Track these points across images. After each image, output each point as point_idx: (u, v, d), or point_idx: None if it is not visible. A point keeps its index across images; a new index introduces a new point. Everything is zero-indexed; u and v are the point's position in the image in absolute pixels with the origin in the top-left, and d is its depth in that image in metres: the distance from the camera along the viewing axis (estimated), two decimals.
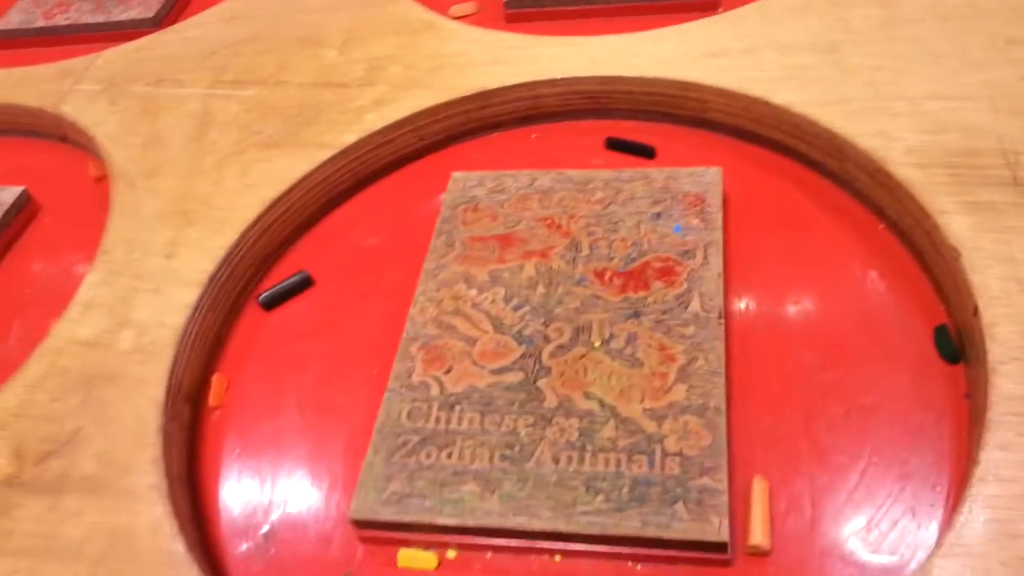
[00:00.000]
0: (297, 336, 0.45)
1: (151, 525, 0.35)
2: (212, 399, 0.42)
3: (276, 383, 0.43)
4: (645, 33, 0.53)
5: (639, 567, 0.33)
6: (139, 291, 0.44)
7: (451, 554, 0.35)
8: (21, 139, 0.62)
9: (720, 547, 0.32)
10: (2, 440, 0.39)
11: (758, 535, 0.33)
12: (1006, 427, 0.32)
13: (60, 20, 0.70)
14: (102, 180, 0.57)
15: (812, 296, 0.41)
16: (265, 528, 0.37)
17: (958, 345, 0.37)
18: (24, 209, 0.54)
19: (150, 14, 0.68)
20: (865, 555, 0.32)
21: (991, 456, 0.31)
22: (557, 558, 0.34)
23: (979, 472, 0.31)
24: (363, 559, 0.35)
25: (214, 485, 0.39)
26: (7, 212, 0.53)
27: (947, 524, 0.32)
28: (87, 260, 0.50)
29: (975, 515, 0.30)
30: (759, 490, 0.34)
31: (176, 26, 0.64)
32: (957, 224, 0.38)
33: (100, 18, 0.69)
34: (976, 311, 0.35)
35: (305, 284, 0.47)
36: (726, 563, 0.33)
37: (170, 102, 0.57)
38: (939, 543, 0.30)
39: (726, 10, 0.58)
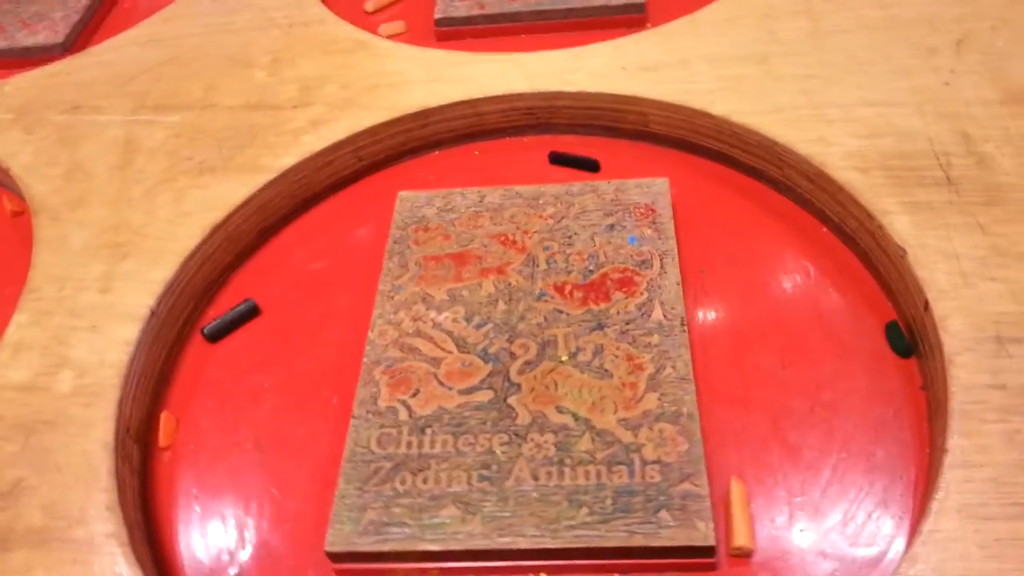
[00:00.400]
0: (247, 368, 0.43)
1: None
2: (162, 439, 0.40)
3: (229, 418, 0.41)
4: (580, 48, 0.54)
5: None
6: (74, 329, 0.42)
7: None
8: None
9: (707, 551, 0.32)
10: None
11: (742, 536, 0.33)
12: (968, 415, 0.33)
13: None
14: (20, 215, 0.54)
15: (765, 300, 0.42)
16: (234, 571, 0.35)
17: (910, 340, 0.39)
18: None
19: (59, 39, 0.65)
20: (844, 548, 0.33)
21: (958, 443, 0.32)
22: (543, 575, 0.34)
23: (948, 459, 0.32)
24: None
25: (172, 530, 0.37)
26: None
27: (920, 512, 0.33)
28: (10, 299, 0.47)
29: (950, 501, 0.31)
30: (737, 492, 0.34)
31: (90, 50, 0.61)
32: (900, 223, 0.40)
33: (2, 44, 0.65)
34: (927, 306, 0.37)
35: (251, 313, 0.45)
36: (712, 567, 0.33)
37: (89, 130, 0.54)
38: (917, 531, 0.31)
39: (653, 26, 0.59)
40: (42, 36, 0.65)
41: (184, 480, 0.39)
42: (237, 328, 0.45)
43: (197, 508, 0.38)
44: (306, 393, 0.41)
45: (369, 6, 0.66)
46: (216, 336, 0.44)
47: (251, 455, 0.39)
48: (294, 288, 0.46)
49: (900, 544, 0.33)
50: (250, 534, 0.36)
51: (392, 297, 0.42)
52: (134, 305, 0.42)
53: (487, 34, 0.61)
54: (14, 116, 0.56)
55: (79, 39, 0.67)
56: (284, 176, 0.49)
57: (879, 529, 0.33)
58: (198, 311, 0.46)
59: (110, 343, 0.41)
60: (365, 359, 0.40)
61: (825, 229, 0.45)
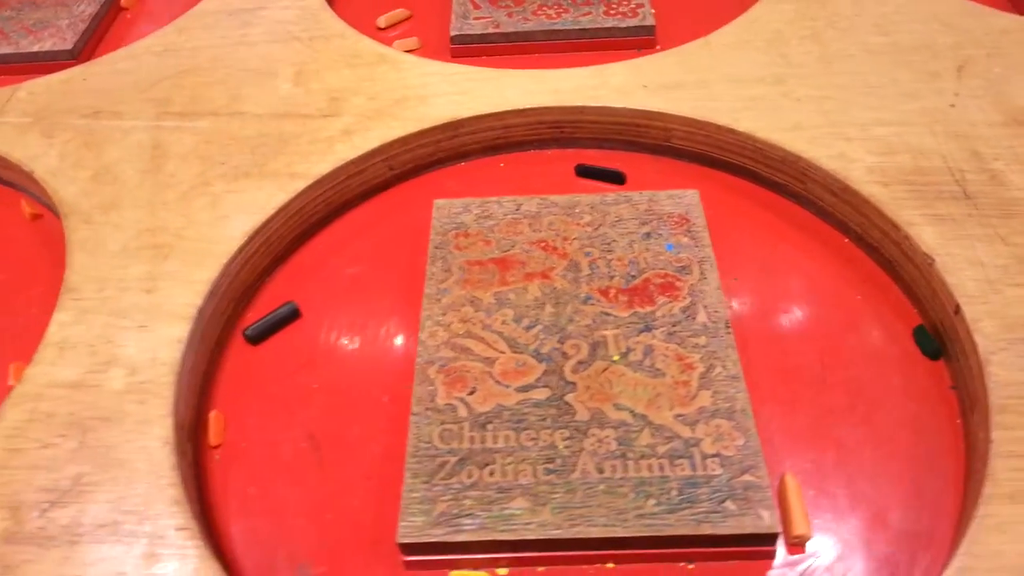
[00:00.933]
0: (292, 369, 0.43)
1: (190, 571, 0.33)
2: (213, 438, 0.40)
3: (278, 417, 0.41)
4: (600, 67, 0.56)
5: (691, 566, 0.34)
6: (122, 328, 0.42)
7: (502, 572, 0.35)
8: None
9: (771, 539, 0.34)
10: None
11: (801, 525, 0.35)
12: (1006, 409, 0.35)
13: None
14: (39, 218, 0.53)
15: (798, 306, 0.44)
16: (302, 567, 0.35)
17: (939, 343, 0.41)
18: None
19: (67, 46, 0.64)
20: (895, 533, 0.35)
21: (1001, 435, 0.35)
22: (610, 565, 0.35)
23: (993, 449, 0.34)
24: None
25: (232, 526, 0.37)
26: None
27: (965, 499, 0.35)
28: (39, 301, 0.47)
29: (999, 488, 0.33)
30: (792, 483, 0.36)
31: (103, 58, 0.61)
32: (926, 234, 0.42)
33: (7, 49, 0.65)
34: (958, 310, 0.39)
35: (293, 316, 0.45)
36: (772, 555, 0.34)
37: (113, 134, 0.54)
38: (971, 516, 0.33)
39: (663, 48, 0.61)
40: (49, 43, 0.65)
41: (238, 478, 0.39)
42: (279, 330, 0.45)
43: (254, 505, 0.38)
44: (355, 392, 0.42)
45: (381, 22, 0.67)
46: (258, 338, 0.44)
47: (305, 453, 0.40)
48: (332, 292, 0.47)
49: (948, 529, 0.35)
50: (313, 530, 0.37)
51: (439, 300, 0.43)
52: (181, 305, 0.42)
53: (501, 52, 0.63)
54: (31, 120, 0.56)
55: (86, 47, 0.66)
56: (319, 183, 0.49)
57: (927, 515, 0.35)
58: (237, 313, 0.46)
59: (160, 341, 0.41)
60: (418, 359, 0.41)
61: (847, 240, 0.47)
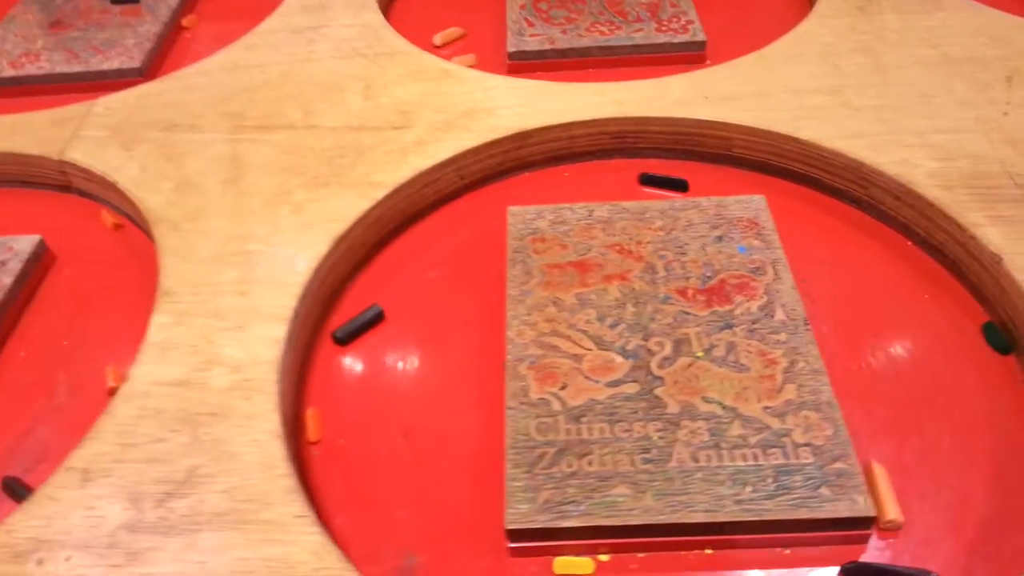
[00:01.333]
0: (382, 368, 0.45)
1: (312, 553, 0.34)
2: (311, 434, 0.42)
3: (372, 414, 0.43)
4: (659, 80, 0.58)
5: (787, 551, 0.36)
6: (221, 329, 0.43)
7: (603, 558, 0.36)
8: (13, 188, 0.58)
9: (866, 522, 0.35)
10: (112, 486, 0.37)
11: (892, 510, 0.36)
12: None
13: (32, 69, 0.67)
14: (121, 227, 0.55)
15: (868, 304, 0.46)
16: (409, 558, 0.37)
17: (1009, 338, 0.43)
18: (41, 259, 0.52)
19: (136, 64, 0.66)
20: (984, 517, 0.36)
21: None
22: (708, 551, 0.36)
23: None
24: (517, 571, 0.36)
25: (336, 518, 0.39)
26: (27, 262, 0.50)
27: None
28: (128, 306, 0.49)
29: None
30: (880, 471, 0.37)
31: (176, 74, 0.63)
32: (991, 234, 0.44)
33: (77, 68, 0.67)
34: None
35: (378, 318, 0.47)
36: (866, 539, 0.36)
37: (191, 147, 0.56)
38: None
39: (714, 63, 0.63)
40: (118, 61, 0.67)
41: (338, 472, 0.40)
42: (366, 332, 0.47)
43: (356, 498, 0.39)
44: (443, 390, 0.43)
45: (437, 40, 0.69)
46: (347, 339, 0.46)
47: (402, 448, 0.41)
48: (413, 295, 0.49)
49: None
50: (414, 521, 0.38)
51: (522, 300, 0.45)
52: (277, 307, 0.44)
53: (557, 67, 0.65)
54: (110, 134, 0.58)
55: (152, 65, 0.68)
56: (397, 191, 0.51)
57: (1011, 501, 0.37)
58: (324, 316, 0.48)
59: (259, 341, 0.42)
60: (508, 356, 0.42)
61: (910, 243, 0.49)
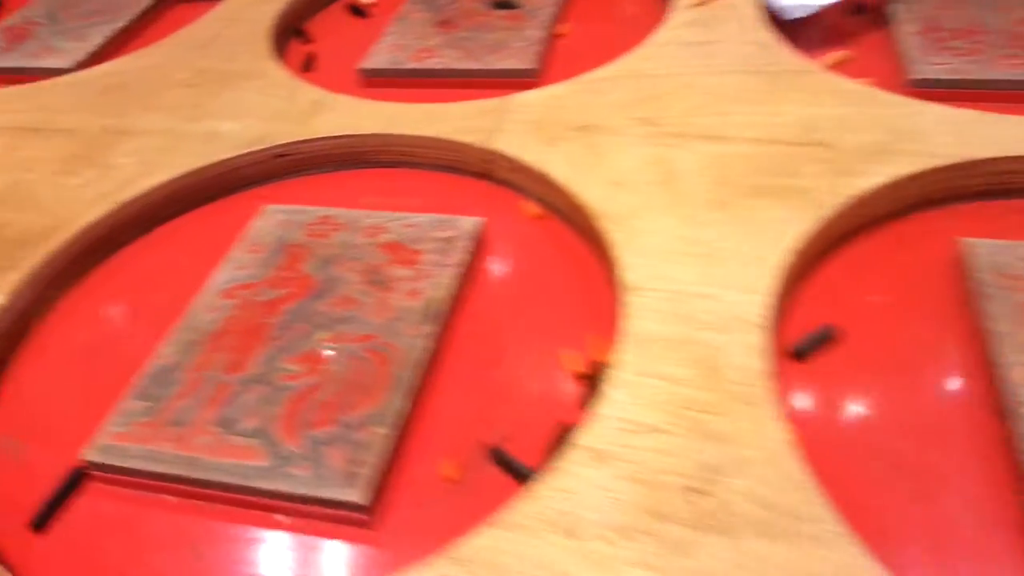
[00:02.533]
0: (842, 386, 0.44)
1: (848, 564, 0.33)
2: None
3: (854, 432, 0.42)
4: None
5: None
6: (697, 329, 0.44)
7: None
8: (432, 173, 0.62)
9: None
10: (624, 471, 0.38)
11: None
12: None
13: (430, 64, 0.71)
14: (542, 217, 0.57)
15: None
16: None
17: None
18: (479, 240, 0.54)
19: (529, 65, 0.69)
20: None
21: None
22: None
23: None
24: None
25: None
26: (471, 240, 0.53)
27: None
28: (566, 291, 0.50)
29: None
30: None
31: (579, 78, 0.65)
32: None
33: (473, 65, 0.70)
34: None
35: (831, 336, 0.46)
36: None
37: (611, 147, 0.57)
38: None
39: None
40: (511, 61, 0.70)
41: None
42: (818, 348, 0.46)
43: None
44: (928, 422, 0.42)
45: (828, 62, 0.68)
46: (803, 354, 0.45)
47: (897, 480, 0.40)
48: (855, 318, 0.47)
49: None
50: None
51: (1014, 338, 0.43)
52: (749, 313, 0.44)
53: (959, 98, 0.62)
54: (530, 128, 0.60)
55: (540, 68, 0.71)
56: (847, 207, 0.50)
57: None
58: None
59: (739, 347, 0.42)
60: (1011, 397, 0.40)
61: None
